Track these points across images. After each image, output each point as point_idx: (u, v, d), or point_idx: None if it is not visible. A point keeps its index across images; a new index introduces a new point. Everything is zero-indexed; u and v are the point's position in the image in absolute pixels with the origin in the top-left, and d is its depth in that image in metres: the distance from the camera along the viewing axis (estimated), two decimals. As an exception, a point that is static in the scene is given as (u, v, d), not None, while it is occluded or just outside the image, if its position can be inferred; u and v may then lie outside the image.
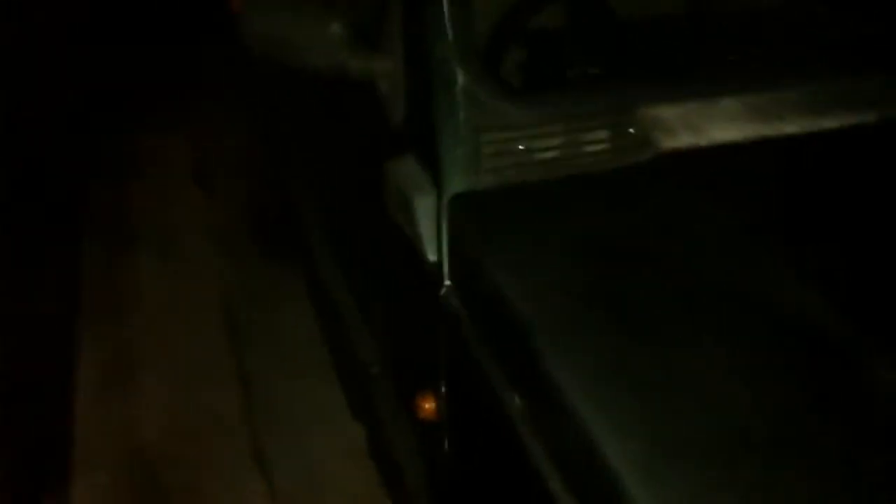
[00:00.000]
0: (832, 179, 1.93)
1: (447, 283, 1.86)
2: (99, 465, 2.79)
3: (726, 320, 1.59)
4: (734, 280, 1.66)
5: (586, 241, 1.75)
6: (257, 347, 3.30)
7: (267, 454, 2.87)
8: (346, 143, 2.61)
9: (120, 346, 3.23)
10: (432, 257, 1.89)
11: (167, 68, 5.07)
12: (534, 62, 2.43)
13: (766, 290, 1.64)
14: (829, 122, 2.02)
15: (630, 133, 1.96)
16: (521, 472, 1.56)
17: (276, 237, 3.65)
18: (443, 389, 1.93)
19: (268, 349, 3.29)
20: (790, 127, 2.02)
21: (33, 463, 2.75)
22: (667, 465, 1.33)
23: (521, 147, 1.90)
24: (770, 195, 1.87)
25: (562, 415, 1.44)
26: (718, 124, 2.01)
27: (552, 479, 1.47)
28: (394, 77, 2.10)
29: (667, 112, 2.00)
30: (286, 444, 2.90)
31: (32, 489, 2.68)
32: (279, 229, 3.59)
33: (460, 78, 1.87)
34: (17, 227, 3.51)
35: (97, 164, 4.39)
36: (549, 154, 1.92)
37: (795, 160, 1.96)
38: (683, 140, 1.98)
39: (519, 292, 1.64)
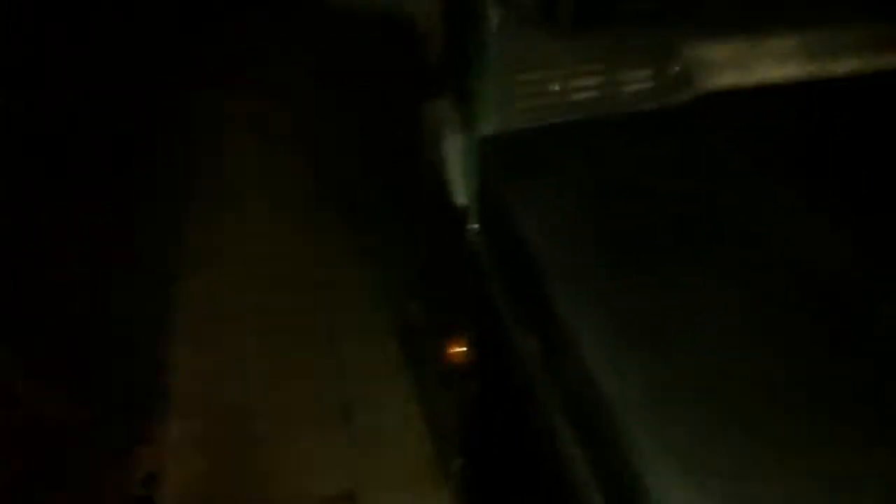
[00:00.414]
0: (865, 124, 1.82)
1: (474, 225, 1.82)
2: (192, 414, 2.85)
3: (738, 261, 1.53)
4: (754, 223, 1.59)
5: (611, 182, 1.70)
6: (340, 305, 3.30)
7: (352, 407, 2.89)
8: (391, 84, 2.58)
9: (216, 301, 3.27)
10: (461, 199, 1.85)
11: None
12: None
13: (786, 234, 1.57)
14: (883, 62, 1.90)
15: (674, 72, 1.89)
16: (533, 417, 1.53)
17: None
18: (471, 334, 1.90)
19: (350, 306, 3.28)
20: (843, 67, 1.92)
21: (130, 413, 2.83)
22: (667, 403, 1.29)
23: (557, 87, 1.84)
24: (804, 138, 1.78)
25: (568, 357, 1.41)
26: (767, 63, 1.92)
27: (562, 426, 1.43)
28: (431, 14, 2.05)
29: (713, 50, 1.91)
30: (370, 398, 2.92)
31: (129, 438, 2.75)
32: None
33: (493, 12, 1.81)
34: (118, 187, 3.60)
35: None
36: (587, 94, 1.86)
37: (835, 103, 1.86)
38: (729, 79, 1.90)
39: (535, 233, 1.59)
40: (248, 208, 3.67)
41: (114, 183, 3.66)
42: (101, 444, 2.69)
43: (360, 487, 2.68)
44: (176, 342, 3.08)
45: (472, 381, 1.93)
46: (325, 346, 3.06)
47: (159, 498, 2.60)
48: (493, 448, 1.92)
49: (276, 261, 3.40)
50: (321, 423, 2.83)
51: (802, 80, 1.88)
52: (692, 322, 1.43)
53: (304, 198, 3.66)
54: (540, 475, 1.57)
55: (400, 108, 2.31)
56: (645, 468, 1.23)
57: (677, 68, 1.88)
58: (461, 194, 1.84)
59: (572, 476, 1.39)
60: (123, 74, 4.14)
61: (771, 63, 1.91)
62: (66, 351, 2.96)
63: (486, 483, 2.02)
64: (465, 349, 1.92)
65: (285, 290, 3.28)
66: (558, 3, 2.28)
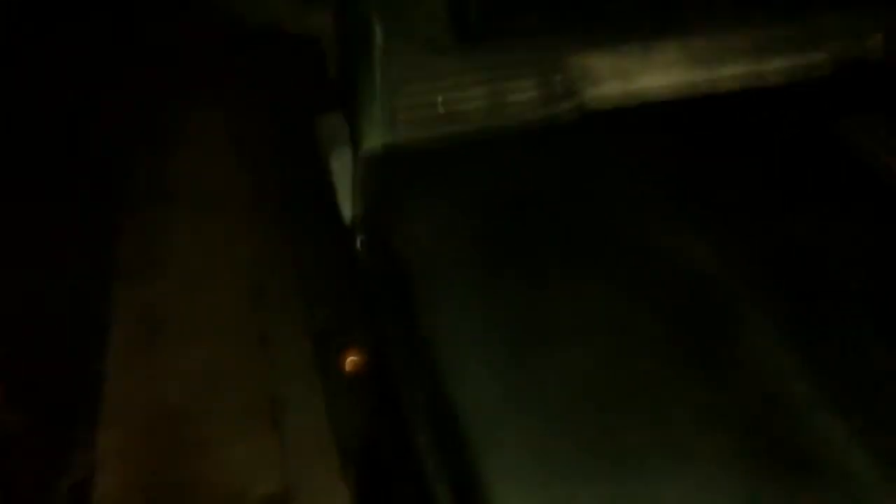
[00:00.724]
0: (740, 138, 1.87)
1: (360, 237, 1.87)
2: (125, 420, 2.91)
3: (612, 272, 1.57)
4: (629, 235, 1.64)
5: (489, 195, 1.75)
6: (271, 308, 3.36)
7: (284, 409, 2.95)
8: (296, 99, 2.63)
9: (150, 307, 3.33)
10: (347, 213, 1.90)
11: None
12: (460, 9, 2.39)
13: (660, 246, 1.62)
14: (763, 67, 1.95)
15: (558, 83, 1.93)
16: (400, 422, 1.58)
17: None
18: (366, 344, 1.95)
19: (282, 308, 3.34)
20: (724, 72, 1.96)
21: (66, 418, 2.88)
22: (514, 414, 1.35)
23: (440, 99, 1.89)
24: (681, 152, 1.82)
25: (428, 365, 1.46)
26: (651, 72, 1.96)
27: (420, 432, 1.49)
28: (329, 33, 2.11)
29: (597, 61, 1.96)
30: (301, 399, 2.97)
31: (65, 442, 2.81)
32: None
33: (377, 30, 1.87)
34: (56, 189, 3.64)
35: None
36: (472, 106, 1.91)
37: (713, 118, 1.91)
38: (614, 89, 1.95)
39: (410, 244, 1.65)
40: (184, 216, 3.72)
41: (51, 187, 3.71)
42: (34, 449, 2.74)
43: (293, 488, 2.73)
44: (110, 348, 3.13)
45: (369, 390, 1.98)
46: (256, 349, 3.11)
47: (91, 504, 2.65)
48: (380, 457, 1.97)
49: (209, 266, 3.45)
50: (253, 425, 2.89)
51: (686, 89, 1.92)
52: (556, 331, 1.48)
53: (241, 207, 3.70)
54: (405, 480, 1.62)
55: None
56: (485, 475, 1.29)
57: (561, 79, 1.93)
58: (347, 208, 1.89)
59: (428, 482, 1.45)
60: (65, 79, 4.20)
61: (655, 72, 1.96)
62: (-1, 356, 3.01)
63: (376, 492, 2.07)
64: (360, 358, 1.97)
65: (217, 294, 3.33)
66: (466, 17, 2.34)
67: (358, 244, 1.86)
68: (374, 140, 1.86)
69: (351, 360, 1.97)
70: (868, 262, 1.58)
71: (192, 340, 3.15)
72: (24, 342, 3.04)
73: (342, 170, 1.91)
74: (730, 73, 1.98)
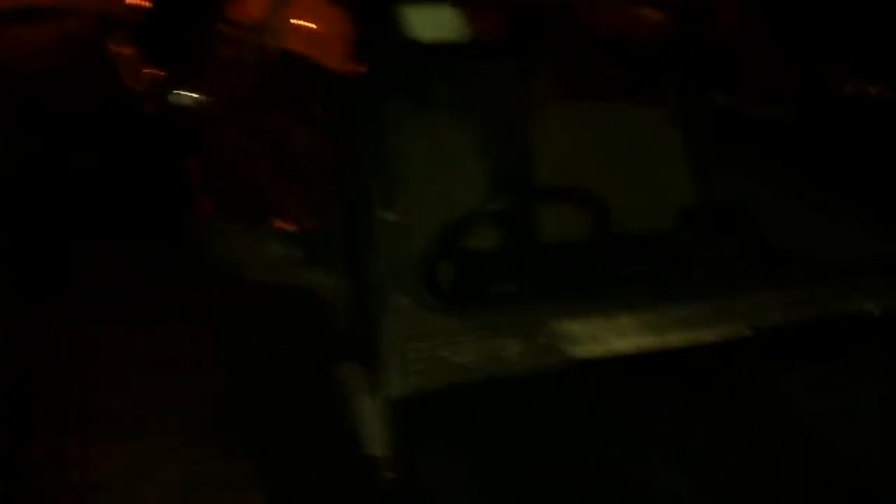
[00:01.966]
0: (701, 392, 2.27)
1: (388, 474, 2.14)
2: None
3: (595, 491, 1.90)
4: (610, 462, 1.98)
5: (494, 433, 2.08)
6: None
7: None
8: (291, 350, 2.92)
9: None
10: (373, 452, 2.17)
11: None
12: (461, 278, 2.79)
13: (639, 472, 1.96)
14: (706, 335, 2.38)
15: (540, 342, 2.30)
16: None
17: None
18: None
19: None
20: (673, 339, 2.38)
21: None
22: None
23: (446, 353, 2.23)
24: (655, 401, 2.20)
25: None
26: (616, 336, 2.36)
27: None
28: (336, 289, 2.43)
29: (572, 325, 2.34)
30: None
31: None
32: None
33: (396, 294, 2.21)
34: None
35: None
36: (468, 359, 2.25)
37: (678, 372, 2.31)
38: (587, 349, 2.32)
39: (435, 477, 1.94)
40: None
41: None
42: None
43: None
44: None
45: None
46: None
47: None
48: None
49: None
50: None
51: (642, 351, 2.32)
52: None
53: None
54: None
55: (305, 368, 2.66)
56: None
57: (542, 340, 2.30)
58: (372, 447, 2.17)
59: None
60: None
61: (619, 336, 2.36)
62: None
63: None
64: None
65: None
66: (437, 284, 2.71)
67: (385, 479, 2.13)
68: (394, 388, 2.17)
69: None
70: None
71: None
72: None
73: (366, 413, 2.19)
74: (674, 340, 2.39)
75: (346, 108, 2.59)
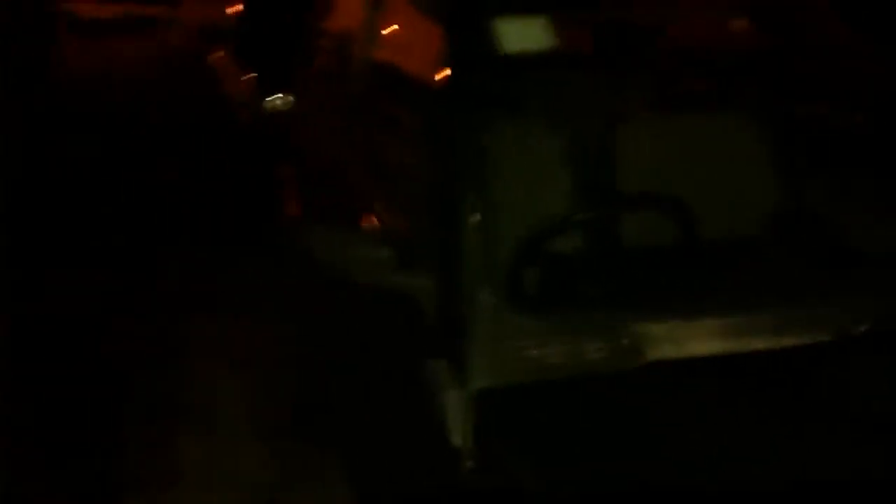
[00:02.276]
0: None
1: (470, 462, 2.22)
2: None
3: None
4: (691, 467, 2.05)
5: (572, 428, 2.15)
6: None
7: None
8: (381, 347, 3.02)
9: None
10: (457, 442, 2.25)
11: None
12: (547, 281, 2.86)
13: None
14: (791, 341, 2.41)
15: (623, 344, 2.36)
16: None
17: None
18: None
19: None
20: (755, 345, 2.41)
21: None
22: None
23: (532, 353, 2.30)
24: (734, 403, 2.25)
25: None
26: (699, 340, 2.41)
27: None
28: (426, 290, 2.53)
29: (654, 328, 2.40)
30: None
31: None
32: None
33: (484, 296, 2.29)
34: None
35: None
36: (554, 359, 2.32)
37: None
38: (668, 352, 2.38)
39: (518, 466, 2.01)
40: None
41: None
42: None
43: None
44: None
45: None
46: None
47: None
48: None
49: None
50: None
51: (725, 355, 2.37)
52: None
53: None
54: None
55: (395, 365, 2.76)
56: None
57: (625, 342, 2.36)
58: (456, 438, 2.25)
59: None
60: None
61: (701, 340, 2.40)
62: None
63: None
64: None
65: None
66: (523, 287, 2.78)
67: (469, 470, 2.21)
68: (482, 382, 2.25)
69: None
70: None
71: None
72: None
73: (451, 406, 2.27)
74: (756, 346, 2.43)
75: (437, 117, 2.68)
